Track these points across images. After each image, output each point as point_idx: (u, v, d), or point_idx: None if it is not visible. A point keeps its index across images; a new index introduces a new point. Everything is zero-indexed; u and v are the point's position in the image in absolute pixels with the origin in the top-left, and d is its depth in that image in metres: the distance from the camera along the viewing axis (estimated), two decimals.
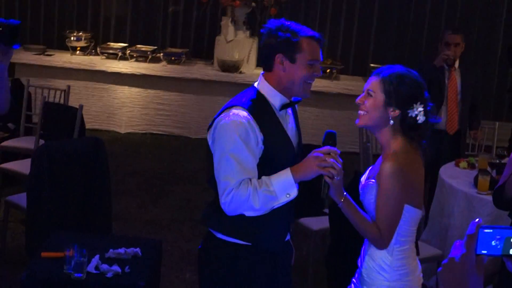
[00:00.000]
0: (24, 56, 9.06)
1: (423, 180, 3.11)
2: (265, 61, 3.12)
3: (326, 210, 5.25)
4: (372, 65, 9.57)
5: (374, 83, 3.03)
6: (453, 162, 5.71)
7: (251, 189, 2.91)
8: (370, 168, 3.20)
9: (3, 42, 3.20)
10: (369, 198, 3.05)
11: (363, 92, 3.08)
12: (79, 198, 4.95)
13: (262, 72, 3.15)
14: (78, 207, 4.95)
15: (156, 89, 9.19)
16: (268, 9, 9.03)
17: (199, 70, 9.20)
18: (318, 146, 5.32)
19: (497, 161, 5.57)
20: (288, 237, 3.28)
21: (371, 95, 3.02)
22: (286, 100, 3.12)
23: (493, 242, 1.56)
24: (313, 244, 5.30)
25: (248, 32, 9.38)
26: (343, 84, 9.02)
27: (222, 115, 3.03)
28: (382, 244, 2.99)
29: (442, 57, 6.14)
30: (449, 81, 6.28)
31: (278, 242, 3.20)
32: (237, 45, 9.19)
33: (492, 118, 8.97)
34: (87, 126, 7.57)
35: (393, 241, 3.01)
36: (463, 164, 5.62)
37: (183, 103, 9.18)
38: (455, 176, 5.36)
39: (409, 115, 2.98)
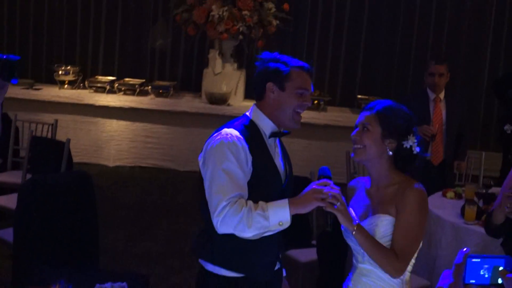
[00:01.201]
0: (12, 90, 8.99)
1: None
2: (257, 90, 3.21)
3: (314, 242, 5.25)
4: (359, 96, 9.64)
5: (369, 117, 3.08)
6: (440, 192, 5.72)
7: (245, 209, 2.93)
8: (350, 209, 3.07)
9: (2, 77, 3.22)
10: (384, 231, 3.01)
11: (356, 127, 3.13)
12: (66, 233, 4.92)
13: (255, 102, 3.23)
14: (65, 242, 4.92)
15: (145, 122, 9.20)
16: (255, 41, 9.08)
17: (187, 103, 9.22)
18: (307, 178, 5.35)
19: (484, 191, 5.58)
20: (278, 266, 3.30)
21: (368, 129, 3.07)
22: (275, 128, 3.19)
23: (481, 271, 1.57)
24: (302, 276, 5.28)
25: (235, 65, 9.43)
26: (331, 116, 9.06)
27: (213, 136, 3.11)
28: (399, 272, 2.98)
29: (423, 132, 6.07)
30: (434, 112, 6.32)
31: (269, 272, 3.23)
32: (225, 77, 9.23)
33: (479, 148, 9.02)
34: (76, 160, 7.55)
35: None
36: (450, 194, 5.64)
37: (172, 136, 9.19)
38: (442, 206, 5.37)
39: (404, 146, 3.04)
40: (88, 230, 5.04)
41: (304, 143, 8.92)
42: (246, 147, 3.06)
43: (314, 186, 2.95)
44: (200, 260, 3.20)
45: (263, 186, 3.08)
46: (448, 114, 6.41)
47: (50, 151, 6.42)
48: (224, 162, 3.00)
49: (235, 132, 3.07)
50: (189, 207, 7.68)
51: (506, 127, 5.63)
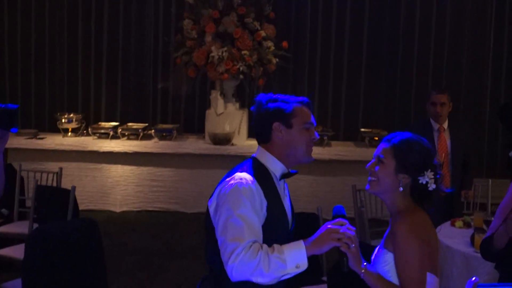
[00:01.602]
0: (16, 141, 9.08)
1: (438, 240, 3.07)
2: (262, 133, 3.17)
3: (324, 278, 5.21)
4: (362, 129, 9.65)
5: (385, 150, 3.07)
6: (449, 222, 5.69)
7: (262, 253, 2.86)
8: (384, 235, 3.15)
9: (1, 126, 3.23)
10: (382, 267, 3.01)
11: (373, 158, 3.11)
12: (75, 281, 4.89)
13: (259, 145, 3.19)
14: None
15: (149, 166, 9.20)
16: (256, 80, 9.12)
17: (191, 145, 9.23)
18: (314, 214, 5.32)
19: (492, 218, 5.54)
20: None
21: (382, 162, 3.05)
22: (285, 170, 3.16)
23: None
24: None
25: (237, 104, 9.45)
26: (335, 150, 9.06)
27: (225, 181, 3.05)
28: None
29: (428, 111, 6.21)
30: (438, 142, 6.32)
31: None
32: (228, 117, 9.25)
33: (485, 175, 8.98)
34: (82, 207, 7.55)
35: None
36: (459, 223, 5.61)
37: (177, 178, 9.18)
38: (451, 236, 5.34)
39: (420, 182, 3.00)
40: (97, 277, 5.01)
41: (309, 179, 8.90)
42: (261, 191, 3.02)
43: (329, 226, 2.90)
44: None
45: (272, 230, 3.03)
46: (453, 143, 6.40)
47: (56, 200, 6.40)
48: (240, 208, 2.93)
49: (249, 177, 3.02)
50: (198, 249, 7.63)
51: (511, 153, 5.60)
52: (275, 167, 3.14)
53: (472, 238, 5.06)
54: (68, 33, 10.24)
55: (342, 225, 2.90)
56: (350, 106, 10.20)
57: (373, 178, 3.08)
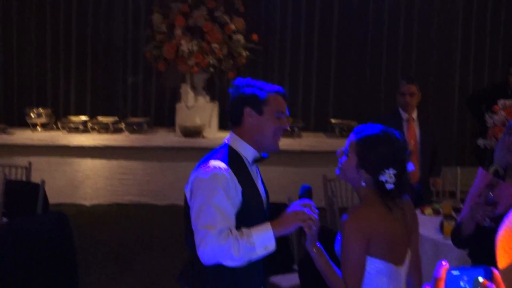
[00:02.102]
0: None
1: (393, 233, 3.10)
2: (234, 116, 3.24)
3: (295, 267, 5.23)
4: (333, 120, 9.69)
5: (351, 144, 3.13)
6: (419, 210, 5.74)
7: (231, 239, 2.96)
8: None
9: None
10: (339, 251, 3.12)
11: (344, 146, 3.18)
12: (46, 275, 4.87)
13: (232, 129, 3.27)
14: (46, 284, 4.87)
15: (120, 160, 9.17)
16: (226, 73, 9.11)
17: (162, 138, 9.22)
18: (285, 204, 5.34)
19: (461, 206, 5.60)
20: None
21: (347, 155, 3.13)
22: (257, 154, 3.24)
23: (461, 283, 1.56)
24: None
25: (208, 97, 9.45)
26: (306, 141, 9.09)
27: (200, 168, 3.12)
28: None
29: (398, 101, 6.28)
30: (408, 132, 6.37)
31: None
32: (198, 110, 9.24)
33: (454, 164, 9.06)
34: (52, 201, 7.48)
35: None
36: (428, 211, 5.67)
37: (148, 171, 9.16)
38: (421, 223, 5.33)
39: (379, 179, 3.06)
40: (68, 271, 4.99)
41: (280, 170, 8.93)
42: (235, 178, 3.09)
43: (295, 208, 3.01)
44: None
45: (249, 213, 3.13)
46: (422, 132, 6.46)
47: (25, 194, 6.36)
48: (214, 196, 3.02)
49: (223, 165, 3.09)
50: (169, 241, 7.64)
51: (479, 141, 5.67)
52: (247, 152, 3.22)
53: (441, 225, 5.11)
54: (36, 27, 10.15)
55: (305, 206, 3.02)
56: (320, 98, 10.24)
57: (340, 166, 3.19)
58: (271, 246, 3.00)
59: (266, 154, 3.30)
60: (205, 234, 2.97)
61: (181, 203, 8.91)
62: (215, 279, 3.12)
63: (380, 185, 3.06)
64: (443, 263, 1.57)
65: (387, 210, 3.08)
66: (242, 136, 3.22)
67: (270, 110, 3.19)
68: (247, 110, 3.19)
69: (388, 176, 3.03)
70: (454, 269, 1.56)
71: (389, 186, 3.04)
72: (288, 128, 3.33)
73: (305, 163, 9.01)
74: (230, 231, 2.99)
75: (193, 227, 3.06)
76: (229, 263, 3.00)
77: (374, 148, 3.06)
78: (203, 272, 3.13)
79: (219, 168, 3.07)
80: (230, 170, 3.09)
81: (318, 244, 3.09)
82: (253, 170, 3.25)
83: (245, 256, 2.98)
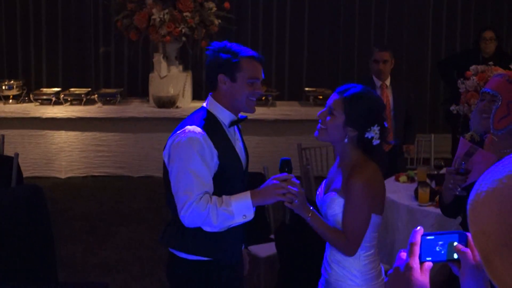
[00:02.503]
0: None
1: (384, 187, 3.25)
2: (209, 81, 3.28)
3: (272, 236, 5.26)
4: (307, 89, 9.69)
5: (336, 102, 3.15)
6: (393, 177, 5.78)
7: (210, 206, 3.05)
8: (324, 180, 3.35)
9: None
10: (332, 210, 3.16)
11: (325, 107, 3.19)
12: (21, 248, 4.85)
13: (210, 92, 3.30)
14: (21, 257, 4.85)
15: (94, 131, 9.11)
16: (199, 42, 9.06)
17: (135, 108, 9.16)
18: (260, 173, 5.35)
19: (436, 172, 5.66)
20: (243, 247, 3.50)
21: (333, 114, 3.14)
22: (234, 117, 3.28)
23: (437, 248, 1.58)
24: (263, 271, 5.29)
25: (181, 67, 9.39)
26: (280, 110, 9.09)
27: (177, 133, 3.17)
28: (350, 252, 3.13)
29: (371, 68, 6.30)
30: None
31: (236, 254, 3.38)
32: (171, 80, 9.20)
33: (428, 131, 9.14)
34: (26, 174, 7.46)
35: (360, 248, 3.14)
36: (403, 178, 5.70)
37: (122, 142, 9.12)
38: (395, 190, 5.42)
39: (365, 136, 3.11)
40: (43, 243, 4.97)
41: (255, 139, 8.93)
42: (210, 142, 3.13)
43: (274, 182, 3.07)
44: (170, 249, 3.33)
45: (227, 175, 3.20)
46: (395, 100, 6.48)
47: None
48: (190, 162, 3.08)
49: (198, 129, 3.13)
50: (145, 213, 7.64)
51: (453, 107, 5.69)
52: (223, 115, 3.26)
53: (416, 192, 5.15)
54: None
55: (284, 180, 3.06)
56: (294, 66, 10.24)
57: (322, 126, 3.19)
58: (249, 215, 3.10)
59: (244, 116, 3.35)
60: (184, 200, 3.05)
61: (156, 174, 8.96)
62: (198, 239, 3.20)
63: (366, 142, 3.12)
64: (418, 228, 1.59)
65: (378, 166, 3.19)
66: (218, 100, 3.26)
67: (243, 76, 3.20)
68: (221, 77, 3.21)
69: (374, 132, 3.10)
70: (429, 234, 1.58)
71: (375, 142, 3.12)
72: (263, 92, 3.34)
73: (279, 132, 9.02)
74: (210, 197, 3.07)
75: (173, 192, 3.14)
76: (208, 228, 3.10)
77: (362, 104, 3.11)
78: (183, 232, 3.21)
79: (194, 132, 3.11)
80: (205, 134, 3.13)
81: (311, 208, 3.14)
82: (231, 133, 3.29)
83: (223, 223, 3.08)
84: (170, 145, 3.18)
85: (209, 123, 3.20)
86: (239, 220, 3.09)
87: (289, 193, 3.04)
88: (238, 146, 3.34)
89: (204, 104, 3.31)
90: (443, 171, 5.66)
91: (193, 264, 3.25)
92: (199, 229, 3.14)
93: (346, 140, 3.13)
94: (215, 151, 3.14)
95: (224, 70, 3.20)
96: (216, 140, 3.17)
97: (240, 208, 3.07)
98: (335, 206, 3.15)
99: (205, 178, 3.10)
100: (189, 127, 3.15)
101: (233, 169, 3.24)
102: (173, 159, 3.14)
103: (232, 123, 3.28)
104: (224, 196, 3.09)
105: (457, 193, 3.36)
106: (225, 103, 3.25)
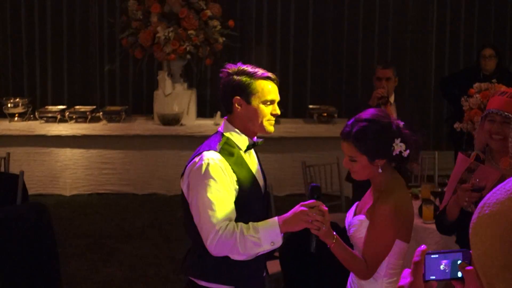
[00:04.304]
0: None
1: (413, 215, 3.26)
2: (224, 104, 3.25)
3: (276, 254, 5.25)
4: (311, 106, 9.71)
5: (349, 150, 3.17)
6: None
7: (237, 234, 3.00)
8: (356, 203, 3.38)
9: None
10: (360, 233, 3.17)
11: (345, 155, 3.21)
12: (27, 266, 4.87)
13: (226, 116, 3.28)
14: (27, 274, 4.87)
15: (98, 149, 9.14)
16: (203, 60, 9.10)
17: (140, 126, 9.20)
18: (266, 191, 5.35)
19: (439, 189, 5.66)
20: (264, 273, 3.43)
21: (354, 160, 3.17)
22: (250, 141, 3.25)
23: (441, 266, 1.59)
24: None
25: (185, 84, 9.43)
26: (284, 128, 9.10)
27: (193, 160, 3.13)
28: (365, 275, 3.13)
29: (374, 95, 6.26)
30: None
31: (258, 280, 3.34)
32: (176, 98, 9.23)
33: (431, 148, 9.14)
34: (31, 191, 7.47)
35: (382, 273, 3.15)
36: None
37: (127, 160, 9.14)
38: None
39: (394, 154, 3.13)
40: (48, 261, 4.99)
41: (259, 156, 8.91)
42: (229, 167, 3.10)
43: (301, 208, 3.01)
44: (191, 278, 3.26)
45: (246, 199, 3.15)
46: (399, 117, 6.45)
47: (4, 185, 6.32)
48: (210, 189, 3.03)
49: (216, 155, 3.10)
50: (150, 230, 7.65)
51: (456, 125, 5.71)
52: (240, 140, 3.23)
53: (420, 209, 5.16)
54: (10, 16, 10.07)
55: (312, 207, 3.00)
56: (298, 83, 10.27)
57: (353, 171, 3.22)
58: (277, 242, 3.04)
59: (257, 139, 3.31)
60: (209, 229, 3.01)
61: (161, 191, 8.96)
62: (221, 267, 3.16)
63: (399, 159, 3.15)
64: (422, 247, 1.60)
65: (408, 191, 3.25)
66: (233, 124, 3.23)
67: (258, 98, 3.17)
68: (236, 99, 3.18)
69: (398, 146, 3.12)
70: (433, 253, 1.59)
71: (406, 153, 3.14)
72: (280, 113, 3.32)
73: (284, 149, 9.03)
74: (236, 225, 3.02)
75: (196, 222, 3.09)
76: (235, 257, 3.07)
77: (370, 135, 3.12)
78: (204, 260, 3.17)
79: (212, 159, 3.08)
80: (223, 159, 3.10)
81: (335, 234, 3.10)
82: (248, 156, 3.26)
83: (251, 251, 3.04)
84: (188, 173, 3.14)
85: (226, 147, 3.16)
86: (267, 247, 3.03)
87: (316, 221, 2.99)
88: (256, 169, 3.30)
89: (220, 128, 3.28)
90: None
91: None
92: (221, 257, 3.10)
93: (380, 170, 3.16)
94: (234, 176, 3.10)
95: (239, 93, 3.17)
96: (234, 164, 3.13)
97: (268, 235, 3.01)
98: (363, 229, 3.16)
99: (227, 204, 3.06)
100: (206, 153, 3.11)
101: (252, 193, 3.19)
102: (192, 187, 3.10)
103: (248, 147, 3.24)
104: (251, 223, 3.05)
105: (471, 210, 3.38)
106: (241, 126, 3.21)
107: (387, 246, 3.12)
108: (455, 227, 3.66)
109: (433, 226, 4.92)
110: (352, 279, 3.31)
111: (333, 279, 4.02)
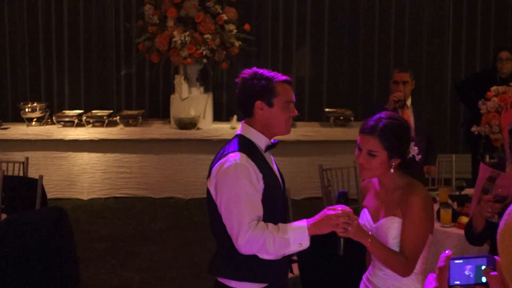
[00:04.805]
0: None
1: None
2: (245, 109, 3.33)
3: (295, 257, 5.26)
4: (327, 109, 9.71)
5: (372, 144, 3.20)
6: None
7: (267, 233, 3.08)
8: (365, 211, 3.39)
9: None
10: (395, 232, 3.20)
11: (360, 149, 3.25)
12: (46, 269, 4.90)
13: (243, 120, 3.37)
14: (46, 278, 4.90)
15: (116, 153, 9.18)
16: (219, 64, 9.13)
17: (157, 130, 9.23)
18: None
19: (457, 193, 5.65)
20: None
21: (374, 155, 3.20)
22: (269, 142, 3.35)
23: (465, 272, 1.59)
24: None
25: (202, 88, 9.46)
26: (301, 131, 9.11)
27: (220, 161, 3.22)
28: (407, 271, 3.17)
29: (392, 99, 6.25)
30: None
31: (286, 276, 3.44)
32: (192, 102, 9.26)
33: (448, 151, 9.12)
34: (49, 195, 7.51)
35: (418, 267, 3.21)
36: None
37: (144, 164, 9.18)
38: None
39: (408, 157, 3.21)
40: (68, 264, 5.02)
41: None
42: (255, 166, 3.19)
43: (328, 212, 3.08)
44: (219, 279, 3.33)
45: (270, 197, 3.24)
46: (416, 120, 6.47)
47: (23, 189, 6.38)
48: (239, 187, 3.13)
49: (242, 155, 3.19)
50: (167, 234, 7.68)
51: (473, 128, 5.70)
52: (260, 140, 3.32)
53: (438, 213, 5.15)
54: (28, 21, 10.13)
55: (339, 211, 3.05)
56: (314, 87, 10.27)
57: (366, 167, 3.25)
58: (305, 244, 3.11)
59: (276, 141, 3.41)
60: (239, 227, 3.09)
61: (178, 195, 8.98)
62: (250, 265, 3.21)
63: (410, 162, 3.22)
64: (446, 252, 1.61)
65: None
66: (253, 126, 3.32)
67: (279, 101, 3.28)
68: (258, 103, 3.28)
69: (413, 150, 3.22)
70: (458, 258, 1.60)
71: (418, 157, 3.23)
72: (297, 114, 3.41)
73: (300, 153, 9.04)
74: (266, 225, 3.09)
75: (225, 221, 3.17)
76: (264, 256, 3.14)
77: (395, 133, 3.20)
78: (234, 260, 3.23)
79: (238, 158, 3.17)
80: (249, 159, 3.19)
81: (368, 235, 3.15)
82: (267, 156, 3.35)
83: (279, 251, 3.10)
84: (215, 175, 3.22)
85: (248, 148, 3.25)
86: (294, 248, 3.11)
87: (343, 223, 3.04)
88: (275, 169, 3.39)
89: (238, 131, 3.36)
90: (465, 191, 5.67)
91: None
92: (249, 256, 3.16)
93: (392, 170, 3.21)
94: (260, 174, 3.19)
95: (261, 97, 3.26)
96: (258, 163, 3.22)
97: (296, 237, 3.08)
98: (398, 228, 3.19)
99: (255, 202, 3.15)
100: (232, 154, 3.20)
101: (275, 192, 3.29)
102: (221, 187, 3.18)
103: (268, 147, 3.33)
104: (280, 224, 3.13)
105: (495, 220, 3.39)
106: (261, 128, 3.31)
107: (424, 237, 3.17)
108: (483, 238, 3.67)
109: (451, 230, 4.94)
110: (367, 276, 3.34)
111: (351, 282, 4.03)
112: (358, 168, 3.33)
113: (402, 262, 3.13)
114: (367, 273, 3.38)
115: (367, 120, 3.28)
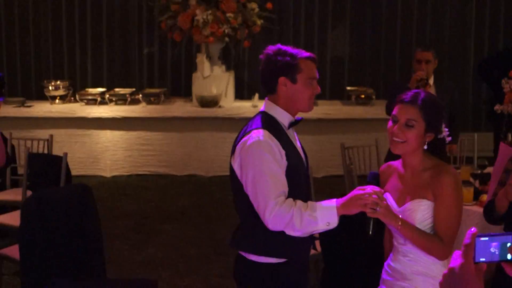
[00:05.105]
0: (3, 110, 9.06)
1: None
2: (268, 85, 3.33)
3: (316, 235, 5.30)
4: (348, 88, 9.71)
5: (412, 113, 3.13)
6: None
7: (294, 209, 3.07)
8: (387, 194, 3.24)
9: None
10: (425, 214, 3.12)
11: (396, 120, 3.16)
12: (72, 245, 4.96)
13: (266, 97, 3.36)
14: (71, 254, 4.96)
15: (138, 131, 9.24)
16: (241, 42, 9.14)
17: (179, 108, 9.28)
18: None
19: (479, 171, 5.66)
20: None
21: (412, 126, 3.12)
22: (292, 119, 3.35)
23: (491, 249, 1.61)
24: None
25: (223, 67, 9.48)
26: (322, 109, 9.12)
27: (243, 139, 3.23)
28: (446, 254, 3.10)
29: (414, 78, 6.24)
30: None
31: (307, 253, 3.44)
32: (214, 80, 9.29)
33: (471, 129, 9.10)
34: (73, 173, 7.58)
35: None
36: None
37: (166, 141, 9.23)
38: None
39: (439, 136, 3.18)
40: (93, 240, 5.08)
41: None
42: (278, 143, 3.20)
43: (357, 192, 3.05)
44: (241, 252, 3.35)
45: (293, 174, 3.24)
46: (439, 98, 6.45)
47: (48, 167, 6.45)
48: (264, 163, 3.14)
49: (265, 132, 3.20)
50: (190, 211, 7.74)
51: (496, 107, 5.69)
52: (283, 117, 3.32)
53: None
54: (51, 1, 10.18)
55: (369, 192, 3.01)
56: (335, 65, 10.26)
57: (399, 140, 3.14)
58: (333, 223, 3.08)
59: (300, 118, 3.40)
60: (266, 203, 3.09)
61: (200, 173, 9.04)
62: (272, 240, 3.22)
63: (440, 142, 3.20)
64: (472, 229, 1.63)
65: None
66: (276, 103, 3.32)
67: (303, 77, 3.27)
68: (281, 79, 3.27)
69: (445, 130, 3.19)
70: (483, 235, 1.62)
71: (449, 138, 3.22)
72: (320, 91, 3.39)
73: (322, 131, 9.05)
74: (295, 201, 3.09)
75: (252, 198, 3.17)
76: (291, 232, 3.12)
77: (436, 107, 3.17)
78: (255, 235, 3.26)
79: (261, 135, 3.18)
80: (272, 136, 3.19)
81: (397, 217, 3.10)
82: (291, 134, 3.35)
83: (306, 228, 3.08)
84: (239, 152, 3.23)
85: (271, 125, 3.26)
86: (322, 227, 3.08)
87: (371, 203, 2.99)
88: (298, 146, 3.39)
89: (262, 108, 3.37)
90: (487, 170, 5.67)
91: (267, 267, 3.27)
92: (272, 231, 3.15)
93: (426, 146, 3.15)
94: (283, 151, 3.19)
95: (284, 73, 3.26)
96: (281, 140, 3.22)
97: (324, 215, 3.06)
98: (426, 211, 3.12)
99: (280, 177, 3.15)
100: (255, 131, 3.20)
101: (298, 169, 3.29)
102: (246, 164, 3.19)
103: (291, 124, 3.34)
104: (309, 202, 3.13)
105: None
106: (285, 105, 3.30)
107: (459, 217, 3.12)
108: (504, 219, 3.68)
109: (473, 208, 4.95)
110: (389, 263, 3.28)
111: (372, 261, 4.06)
112: (389, 142, 3.18)
113: (439, 244, 3.07)
114: (388, 260, 3.30)
115: (402, 94, 3.22)
